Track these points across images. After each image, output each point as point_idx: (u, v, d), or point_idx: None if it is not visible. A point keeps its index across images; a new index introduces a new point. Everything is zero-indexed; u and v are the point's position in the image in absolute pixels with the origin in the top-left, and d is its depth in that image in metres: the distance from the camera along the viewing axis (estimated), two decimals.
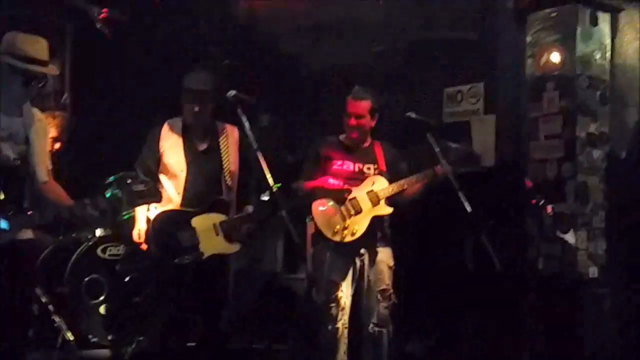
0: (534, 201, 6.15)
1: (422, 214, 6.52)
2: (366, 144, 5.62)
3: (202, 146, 5.24)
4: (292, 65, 8.12)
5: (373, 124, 5.57)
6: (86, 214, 4.12)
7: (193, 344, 5.24)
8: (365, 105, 5.50)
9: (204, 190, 5.16)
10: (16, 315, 4.05)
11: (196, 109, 5.14)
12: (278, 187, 4.73)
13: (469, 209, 5.02)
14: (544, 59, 6.34)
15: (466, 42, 6.93)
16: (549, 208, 6.18)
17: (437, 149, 5.20)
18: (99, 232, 6.29)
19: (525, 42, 6.48)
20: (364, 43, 7.61)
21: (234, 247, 5.17)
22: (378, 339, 5.45)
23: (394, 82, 7.46)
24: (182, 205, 5.12)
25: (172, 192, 5.15)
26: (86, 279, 6.15)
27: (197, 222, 5.08)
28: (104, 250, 6.18)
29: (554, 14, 6.32)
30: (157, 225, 5.14)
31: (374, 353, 5.46)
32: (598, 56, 6.31)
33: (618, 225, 6.23)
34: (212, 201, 5.14)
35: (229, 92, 4.83)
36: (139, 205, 4.49)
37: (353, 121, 5.51)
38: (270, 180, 4.62)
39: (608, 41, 6.39)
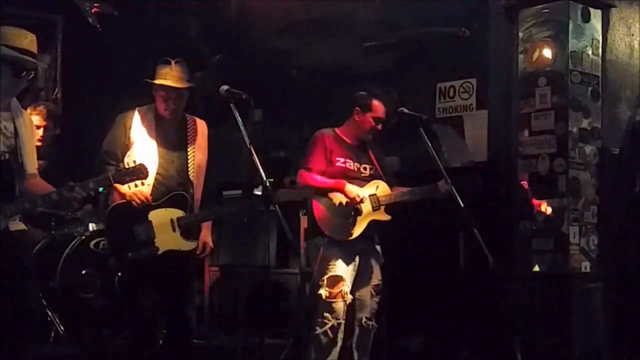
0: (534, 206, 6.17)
1: (415, 210, 6.54)
2: (358, 143, 5.61)
3: (174, 140, 5.16)
4: (283, 61, 8.10)
5: None
6: (74, 195, 4.11)
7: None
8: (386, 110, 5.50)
9: (173, 184, 5.09)
10: (11, 309, 4.03)
11: (173, 105, 5.10)
12: (271, 183, 4.70)
13: (461, 204, 5.03)
14: (535, 55, 6.36)
15: (458, 38, 6.94)
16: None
17: (429, 145, 5.17)
18: (92, 226, 6.26)
19: (517, 38, 6.50)
20: (356, 39, 7.61)
21: (190, 245, 5.09)
22: (370, 331, 5.59)
23: (386, 77, 7.46)
24: (151, 197, 4.98)
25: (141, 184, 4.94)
26: (79, 273, 6.12)
27: (154, 216, 5.00)
28: (97, 245, 6.15)
29: (545, 10, 6.34)
30: (114, 217, 5.07)
31: (366, 344, 5.59)
32: (590, 52, 6.34)
33: (610, 220, 6.25)
34: (171, 195, 5.05)
35: (222, 88, 4.71)
36: (125, 182, 4.45)
37: (377, 127, 5.49)
38: (263, 175, 4.59)
39: (600, 37, 6.41)
